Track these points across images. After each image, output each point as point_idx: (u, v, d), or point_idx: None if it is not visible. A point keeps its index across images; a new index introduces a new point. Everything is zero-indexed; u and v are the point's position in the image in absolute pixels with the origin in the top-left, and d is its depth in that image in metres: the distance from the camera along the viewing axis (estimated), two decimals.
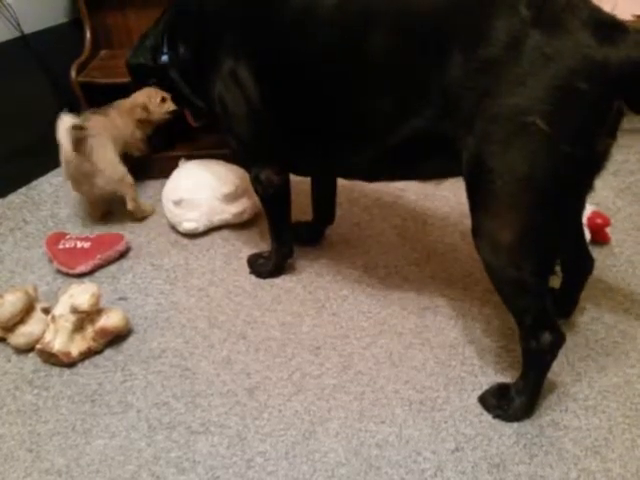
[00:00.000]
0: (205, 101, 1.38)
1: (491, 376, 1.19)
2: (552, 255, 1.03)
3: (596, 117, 0.89)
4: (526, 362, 1.08)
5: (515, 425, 1.10)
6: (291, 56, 1.14)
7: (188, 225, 1.61)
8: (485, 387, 1.16)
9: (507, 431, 1.09)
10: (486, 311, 1.35)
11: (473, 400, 1.15)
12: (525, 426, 1.09)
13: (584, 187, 0.98)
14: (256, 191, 1.40)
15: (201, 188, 1.61)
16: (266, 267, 1.49)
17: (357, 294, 1.42)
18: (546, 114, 0.87)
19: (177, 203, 1.60)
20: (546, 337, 1.02)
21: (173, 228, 1.67)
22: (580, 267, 1.25)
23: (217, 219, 1.64)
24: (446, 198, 1.77)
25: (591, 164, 0.94)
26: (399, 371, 1.22)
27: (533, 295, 1.01)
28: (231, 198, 1.61)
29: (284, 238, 1.45)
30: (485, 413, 1.12)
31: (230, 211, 1.63)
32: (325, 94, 1.13)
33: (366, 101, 1.08)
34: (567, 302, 1.29)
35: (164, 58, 1.40)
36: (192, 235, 1.64)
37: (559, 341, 1.04)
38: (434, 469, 1.03)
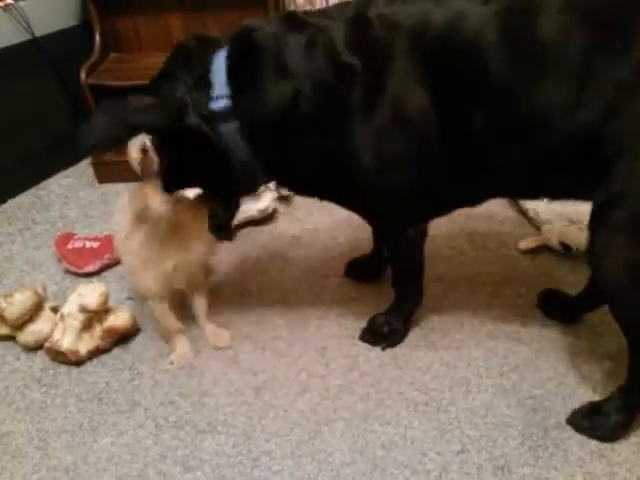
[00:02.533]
0: (302, 167, 1.07)
1: (496, 378, 1.19)
2: None
3: None
4: (633, 382, 1.06)
5: (520, 427, 1.10)
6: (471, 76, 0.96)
7: None
8: (490, 389, 1.17)
9: (512, 433, 1.09)
10: (492, 313, 1.35)
11: (478, 402, 1.15)
12: (530, 428, 1.10)
13: None
14: (398, 251, 1.21)
15: None
16: (395, 327, 1.28)
17: (363, 295, 1.43)
18: None
19: None
20: None
21: None
22: None
23: (242, 217, 1.64)
24: None
25: None
26: (404, 372, 1.22)
27: None
28: (257, 196, 1.63)
29: (417, 286, 1.27)
30: (490, 415, 1.12)
31: (255, 208, 1.65)
32: (501, 97, 0.96)
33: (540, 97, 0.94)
34: (583, 308, 1.28)
35: (220, 104, 1.01)
36: None
37: None
38: (439, 470, 1.04)
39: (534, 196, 1.18)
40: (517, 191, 1.18)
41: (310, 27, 1.02)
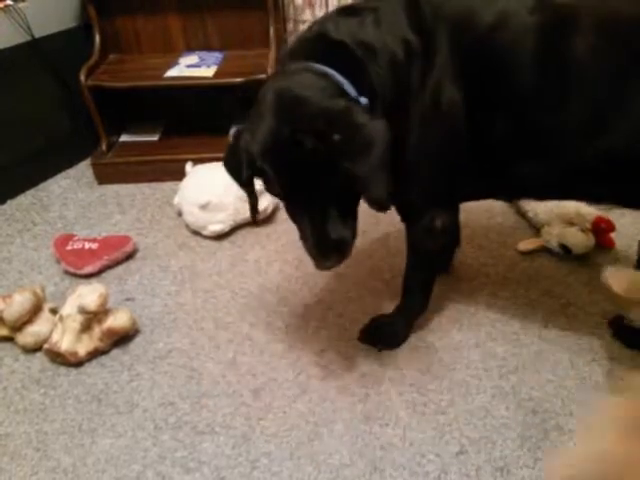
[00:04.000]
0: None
1: (495, 380, 1.19)
2: None
3: None
4: None
5: (519, 429, 1.10)
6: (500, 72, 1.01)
7: (214, 228, 1.62)
8: (490, 391, 1.17)
9: (511, 435, 1.09)
10: (490, 315, 1.35)
11: (477, 403, 1.15)
12: (529, 430, 1.10)
13: None
14: (424, 245, 1.20)
15: (228, 190, 1.62)
16: (398, 329, 1.30)
17: (362, 297, 1.43)
18: None
19: (204, 207, 1.60)
20: None
21: (195, 232, 1.67)
22: None
23: (241, 218, 1.65)
24: None
25: None
26: (403, 374, 1.22)
27: None
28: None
29: (430, 292, 1.30)
30: (489, 416, 1.12)
31: None
32: (528, 108, 1.01)
33: (569, 111, 0.98)
34: None
35: (362, 100, 1.00)
36: (199, 237, 1.66)
37: None
38: (438, 472, 1.04)
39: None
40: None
41: (366, 10, 1.03)
